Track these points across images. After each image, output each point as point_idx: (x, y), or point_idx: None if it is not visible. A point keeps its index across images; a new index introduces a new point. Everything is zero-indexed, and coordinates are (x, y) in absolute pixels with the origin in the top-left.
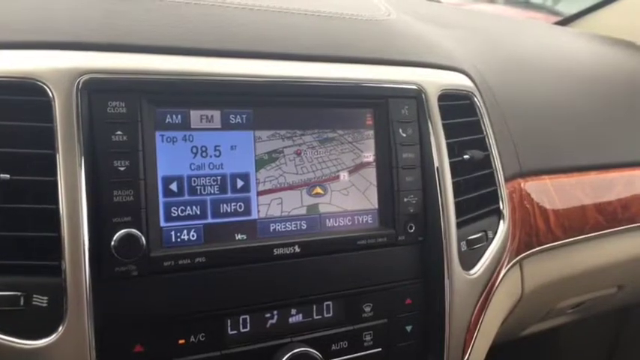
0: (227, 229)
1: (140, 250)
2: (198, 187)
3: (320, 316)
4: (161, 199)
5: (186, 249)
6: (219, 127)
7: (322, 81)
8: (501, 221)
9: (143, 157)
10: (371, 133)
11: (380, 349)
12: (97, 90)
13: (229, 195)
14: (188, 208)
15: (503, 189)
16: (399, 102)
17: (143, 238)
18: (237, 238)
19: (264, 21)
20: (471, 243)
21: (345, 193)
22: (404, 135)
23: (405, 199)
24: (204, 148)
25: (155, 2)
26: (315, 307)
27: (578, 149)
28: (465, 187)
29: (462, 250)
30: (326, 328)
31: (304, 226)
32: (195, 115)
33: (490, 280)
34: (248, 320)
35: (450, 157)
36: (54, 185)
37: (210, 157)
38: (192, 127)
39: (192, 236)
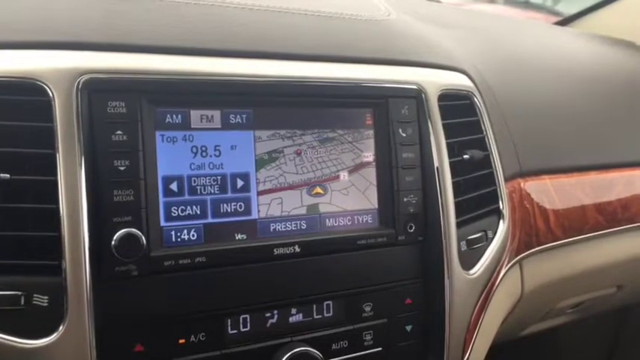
0: (227, 228)
1: (140, 250)
2: (199, 187)
3: (320, 316)
4: (161, 199)
5: (187, 249)
6: (219, 126)
7: (322, 81)
8: (501, 221)
9: (143, 157)
10: (371, 132)
11: (380, 349)
12: (97, 90)
13: (229, 195)
14: (188, 207)
15: (503, 189)
16: (399, 102)
17: (143, 238)
18: (237, 237)
19: (264, 21)
20: (470, 243)
21: (345, 193)
22: (404, 135)
23: (405, 199)
24: (204, 148)
25: (155, 2)
26: (315, 306)
27: (578, 149)
28: (465, 187)
29: (462, 249)
30: (326, 327)
31: (304, 226)
32: (195, 114)
33: (490, 280)
34: (248, 320)
35: (449, 156)
36: (54, 185)
37: (211, 156)
38: (192, 126)
39: (193, 236)
